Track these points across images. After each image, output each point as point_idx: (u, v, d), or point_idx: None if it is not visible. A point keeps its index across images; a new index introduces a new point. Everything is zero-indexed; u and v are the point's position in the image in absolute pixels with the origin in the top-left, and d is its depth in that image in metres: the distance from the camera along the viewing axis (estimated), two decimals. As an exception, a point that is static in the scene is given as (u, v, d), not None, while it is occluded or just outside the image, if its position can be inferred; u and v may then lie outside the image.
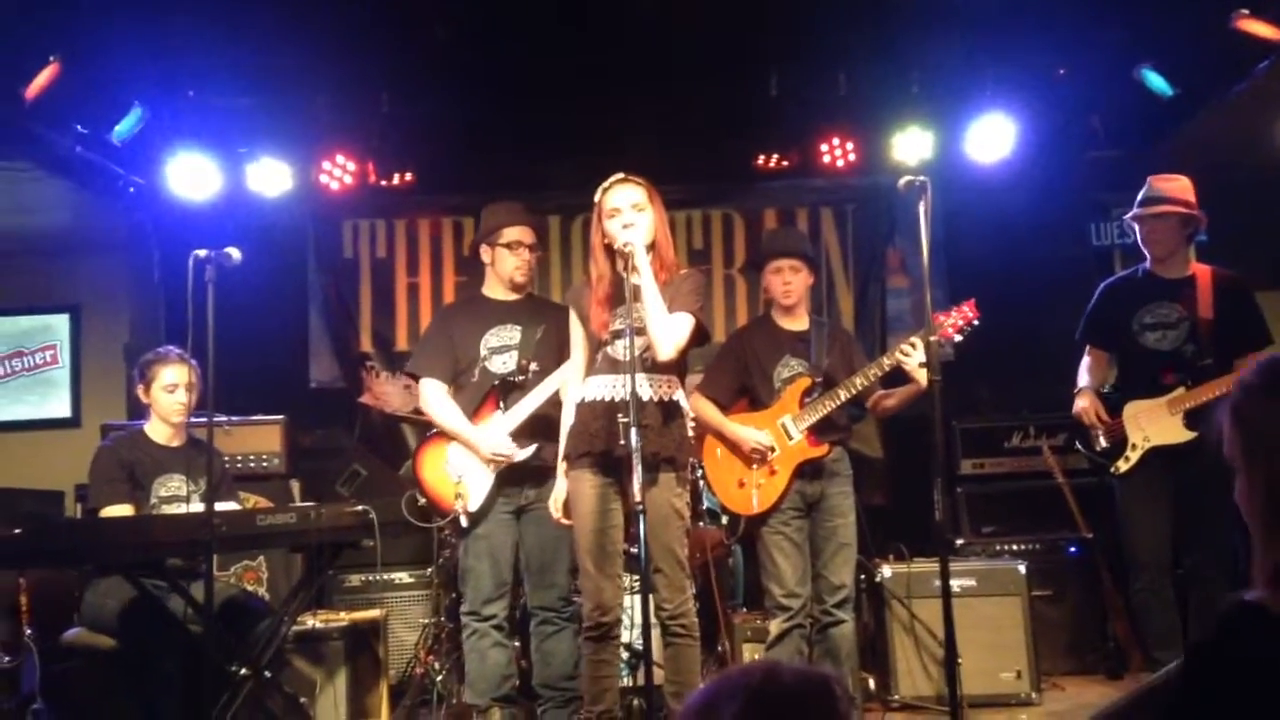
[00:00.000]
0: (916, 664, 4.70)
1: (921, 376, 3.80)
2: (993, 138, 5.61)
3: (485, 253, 4.43)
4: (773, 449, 4.08)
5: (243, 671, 3.92)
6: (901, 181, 3.53)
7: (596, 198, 3.64)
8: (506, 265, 4.37)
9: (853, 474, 4.24)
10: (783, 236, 4.97)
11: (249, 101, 5.59)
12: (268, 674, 4.00)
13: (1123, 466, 4.37)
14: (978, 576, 4.77)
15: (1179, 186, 4.45)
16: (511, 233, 4.35)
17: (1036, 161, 5.72)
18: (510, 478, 4.24)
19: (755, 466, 4.10)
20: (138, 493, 4.13)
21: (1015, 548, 5.27)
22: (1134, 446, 4.34)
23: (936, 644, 4.61)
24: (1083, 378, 4.57)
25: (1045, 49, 5.31)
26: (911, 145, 5.67)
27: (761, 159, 6.11)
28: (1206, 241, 5.09)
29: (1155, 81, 5.11)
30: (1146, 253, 4.52)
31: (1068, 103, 5.58)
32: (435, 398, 4.34)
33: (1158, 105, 5.18)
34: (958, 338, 4.03)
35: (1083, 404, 4.49)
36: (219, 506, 3.81)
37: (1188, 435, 4.27)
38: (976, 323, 4.01)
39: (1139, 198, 4.51)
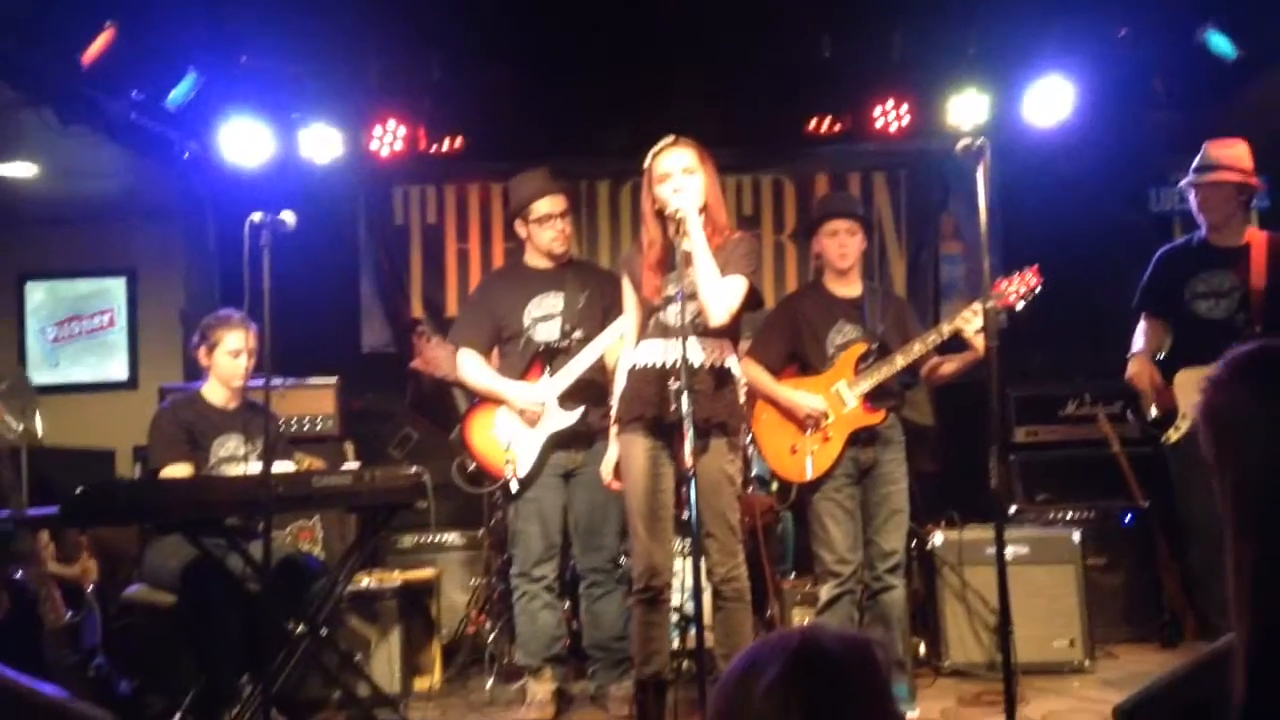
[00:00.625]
0: (968, 630, 4.68)
1: (980, 343, 3.76)
2: (1051, 100, 5.48)
3: (520, 227, 4.44)
4: (827, 415, 4.06)
5: (299, 629, 4.00)
6: (959, 145, 3.46)
7: (647, 162, 3.61)
8: (542, 239, 4.38)
9: (905, 440, 4.22)
10: (837, 199, 4.93)
11: (301, 67, 5.61)
12: (323, 632, 4.07)
13: (1173, 436, 4.36)
14: (1031, 544, 4.73)
15: (1235, 153, 4.40)
16: (541, 206, 4.34)
17: (1096, 125, 5.59)
18: (558, 442, 4.28)
19: (809, 433, 4.08)
20: (197, 453, 4.20)
21: (1069, 516, 5.22)
22: (1184, 416, 4.33)
23: (988, 611, 4.59)
24: (1137, 343, 4.55)
25: (1106, 9, 5.19)
26: (967, 108, 5.56)
27: (813, 123, 6.03)
28: (1269, 207, 4.99)
29: (1219, 43, 4.99)
30: (1201, 220, 4.48)
31: (1128, 64, 5.44)
32: (469, 365, 4.39)
33: (1221, 67, 5.06)
34: (1020, 305, 3.97)
35: (1135, 369, 4.48)
36: (276, 467, 3.87)
37: None
38: (1039, 290, 3.96)
39: (1194, 164, 4.48)
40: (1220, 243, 4.44)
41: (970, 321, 3.86)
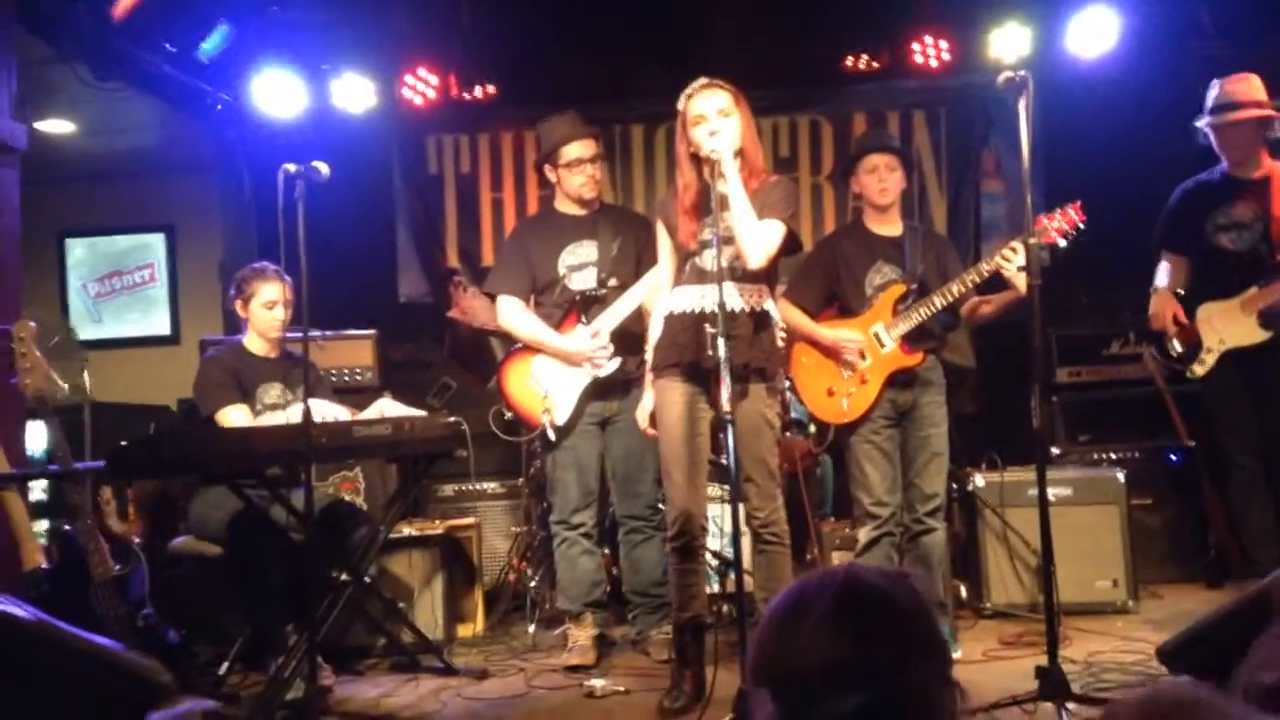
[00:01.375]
0: (1009, 572, 4.66)
1: (1021, 282, 3.69)
2: (1095, 32, 5.35)
3: (549, 173, 4.40)
4: (864, 356, 4.02)
5: (344, 577, 4.05)
6: (1001, 77, 3.37)
7: (681, 105, 3.55)
8: (572, 184, 4.34)
9: (945, 382, 4.18)
10: (875, 135, 4.86)
11: (331, 16, 5.58)
12: (367, 579, 4.12)
13: (1199, 370, 4.46)
14: (1074, 485, 4.68)
15: (1249, 87, 4.42)
16: (571, 151, 4.30)
17: (1141, 57, 5.45)
18: (595, 391, 4.28)
19: (846, 374, 4.04)
20: (245, 399, 4.23)
21: (1114, 456, 5.17)
22: (1209, 350, 4.42)
23: (1030, 552, 4.57)
24: (1160, 279, 4.60)
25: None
26: (1009, 41, 5.43)
27: (850, 60, 5.91)
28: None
29: (1270, -31, 4.85)
30: (1223, 158, 4.52)
31: (1175, -7, 5.32)
32: (514, 312, 4.37)
33: (1271, -5, 4.93)
34: (1062, 242, 3.87)
35: (1157, 306, 4.56)
36: (327, 409, 3.90)
37: (1262, 335, 4.37)
38: (1083, 226, 3.88)
39: (1209, 103, 4.51)
40: (1242, 175, 4.47)
41: (1010, 260, 3.77)
